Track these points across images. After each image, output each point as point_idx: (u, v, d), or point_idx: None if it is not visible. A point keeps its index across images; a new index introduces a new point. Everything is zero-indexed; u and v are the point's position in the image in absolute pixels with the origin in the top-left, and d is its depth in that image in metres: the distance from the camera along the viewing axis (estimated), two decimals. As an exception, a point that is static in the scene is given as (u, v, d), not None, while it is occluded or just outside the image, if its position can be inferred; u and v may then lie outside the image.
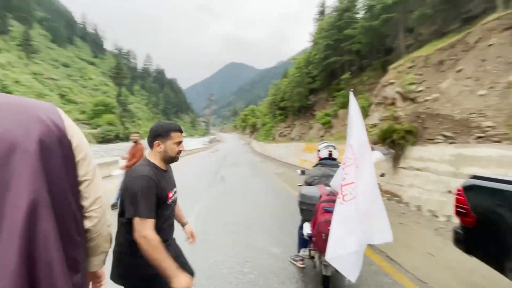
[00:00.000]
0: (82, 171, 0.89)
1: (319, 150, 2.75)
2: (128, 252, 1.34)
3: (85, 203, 0.91)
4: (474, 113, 8.85)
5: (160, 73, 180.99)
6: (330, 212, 1.95)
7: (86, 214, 0.92)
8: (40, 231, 0.67)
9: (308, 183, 2.46)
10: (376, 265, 3.32)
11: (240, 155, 30.75)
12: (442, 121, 8.47)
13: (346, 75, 21.21)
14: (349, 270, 1.71)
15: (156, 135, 1.51)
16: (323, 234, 1.91)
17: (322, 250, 1.95)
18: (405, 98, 13.30)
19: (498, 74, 9.30)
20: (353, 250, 1.65)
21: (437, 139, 7.58)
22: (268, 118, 43.28)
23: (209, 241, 4.31)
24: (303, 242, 2.63)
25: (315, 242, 2.00)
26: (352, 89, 2.75)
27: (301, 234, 2.65)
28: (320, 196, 2.05)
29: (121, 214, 1.39)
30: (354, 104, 2.19)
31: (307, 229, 2.04)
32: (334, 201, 1.93)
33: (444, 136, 7.57)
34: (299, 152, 20.65)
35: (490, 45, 10.35)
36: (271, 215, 6.23)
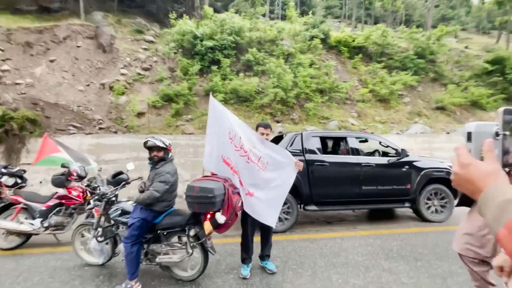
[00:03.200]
0: None
1: (170, 144, 2.79)
2: None
3: None
4: (81, 106, 10.31)
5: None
6: (238, 193, 2.80)
7: None
8: None
9: (171, 182, 2.63)
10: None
11: None
12: (63, 111, 8.82)
13: None
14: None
15: None
16: (238, 213, 2.61)
17: (225, 229, 2.62)
18: (-18, 74, 10.44)
19: (91, 75, 11.51)
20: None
21: (70, 130, 7.99)
22: None
23: None
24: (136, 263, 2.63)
25: (226, 224, 2.50)
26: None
27: (134, 253, 2.61)
28: (223, 185, 2.62)
29: None
30: (216, 105, 2.96)
31: (221, 217, 2.40)
32: (233, 185, 2.83)
33: (75, 127, 8.22)
34: None
35: (79, 46, 12.12)
36: None
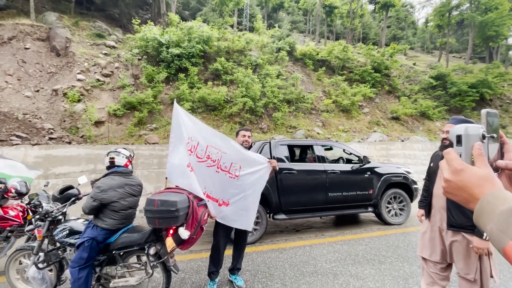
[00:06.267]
0: None
1: (107, 154, 2.52)
2: None
3: None
4: (28, 114, 9.28)
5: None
6: (204, 205, 2.57)
7: None
8: None
9: (99, 199, 2.30)
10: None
11: None
12: (5, 119, 7.81)
13: None
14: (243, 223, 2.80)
15: None
16: (204, 226, 2.33)
17: (190, 244, 2.34)
18: None
19: (41, 80, 10.47)
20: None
21: (13, 140, 7.07)
22: None
23: None
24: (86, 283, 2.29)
25: (190, 240, 2.22)
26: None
27: (83, 278, 2.29)
28: (188, 198, 2.44)
29: None
30: (180, 112, 2.76)
31: (184, 232, 2.16)
32: (198, 196, 2.60)
33: (18, 137, 7.30)
34: None
35: (27, 48, 11.03)
36: None
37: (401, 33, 34.70)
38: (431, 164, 2.22)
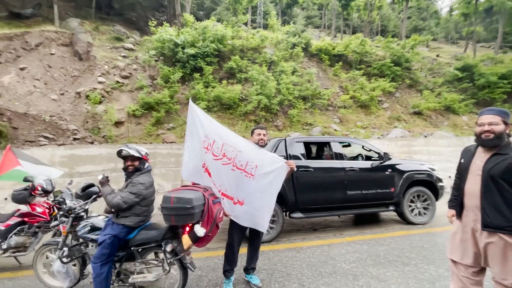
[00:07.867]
0: None
1: (147, 154, 2.59)
2: None
3: None
4: (54, 116, 9.76)
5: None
6: (219, 202, 2.60)
7: None
8: None
9: (143, 195, 2.40)
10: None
11: None
12: (34, 121, 8.27)
13: None
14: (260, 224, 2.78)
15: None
16: (219, 224, 2.40)
17: (206, 242, 2.41)
18: None
19: (66, 83, 10.98)
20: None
21: (40, 141, 7.47)
22: None
23: None
24: (106, 285, 2.40)
25: (206, 237, 2.27)
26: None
27: (104, 273, 2.39)
28: (203, 195, 2.42)
29: None
30: (196, 111, 2.80)
31: (200, 230, 2.21)
32: (213, 194, 2.63)
33: (46, 137, 7.70)
34: None
35: (53, 54, 11.60)
36: None
37: (423, 24, 33.05)
38: (462, 161, 2.05)
